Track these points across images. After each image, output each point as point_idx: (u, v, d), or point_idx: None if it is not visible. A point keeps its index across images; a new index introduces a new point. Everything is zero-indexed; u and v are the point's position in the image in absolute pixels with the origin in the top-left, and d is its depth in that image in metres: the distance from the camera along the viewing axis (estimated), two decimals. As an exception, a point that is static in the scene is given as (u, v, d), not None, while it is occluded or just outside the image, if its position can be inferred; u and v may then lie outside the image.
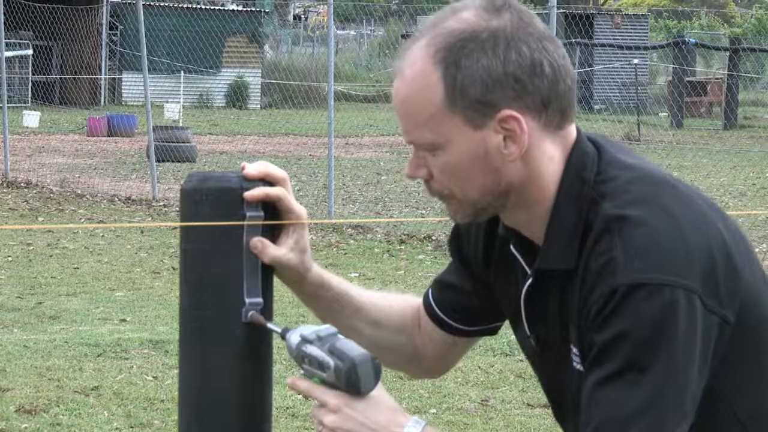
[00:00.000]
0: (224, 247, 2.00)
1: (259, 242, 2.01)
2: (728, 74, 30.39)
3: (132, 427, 6.33)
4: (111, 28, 35.10)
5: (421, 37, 1.97)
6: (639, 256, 1.87)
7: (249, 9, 39.55)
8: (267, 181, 2.04)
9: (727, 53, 32.05)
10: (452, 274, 2.25)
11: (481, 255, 2.17)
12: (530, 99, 1.93)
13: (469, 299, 2.22)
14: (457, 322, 2.24)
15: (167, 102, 29.96)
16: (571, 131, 1.99)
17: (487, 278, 2.18)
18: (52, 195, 15.87)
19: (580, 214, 1.96)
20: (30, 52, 31.99)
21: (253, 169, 2.02)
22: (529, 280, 2.03)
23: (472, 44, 1.92)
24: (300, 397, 6.89)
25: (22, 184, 16.79)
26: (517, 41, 1.92)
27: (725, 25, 49.80)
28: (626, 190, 1.94)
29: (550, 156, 1.97)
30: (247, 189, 2.00)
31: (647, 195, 1.93)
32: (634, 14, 44.31)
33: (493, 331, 2.27)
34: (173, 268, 10.50)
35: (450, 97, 1.93)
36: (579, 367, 1.97)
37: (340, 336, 1.95)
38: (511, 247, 2.07)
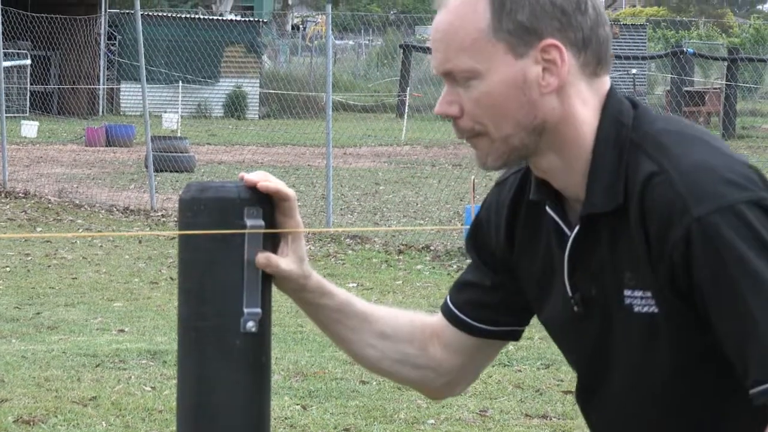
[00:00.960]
0: (223, 257, 2.00)
1: (263, 258, 2.01)
2: (726, 84, 30.43)
3: (130, 437, 6.35)
4: (109, 38, 35.15)
5: None
6: (701, 185, 1.89)
7: (247, 19, 39.58)
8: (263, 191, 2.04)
9: (725, 63, 32.05)
10: (470, 273, 2.23)
11: (503, 238, 2.15)
12: (573, 34, 1.95)
13: (490, 295, 2.19)
14: (479, 321, 2.20)
15: (165, 112, 30.06)
16: (606, 82, 2.00)
17: (511, 263, 2.15)
18: (50, 205, 15.89)
19: (621, 157, 1.96)
20: (28, 62, 31.98)
21: (254, 176, 2.02)
22: (575, 232, 2.01)
23: None
24: (298, 407, 6.89)
25: (20, 194, 16.80)
26: None
27: (723, 35, 49.85)
28: (666, 130, 1.97)
29: (584, 99, 1.98)
30: (246, 199, 2.00)
31: (679, 131, 1.97)
32: (632, 24, 44.40)
33: (515, 335, 2.23)
34: (171, 279, 10.51)
35: (496, 22, 1.95)
36: (647, 309, 1.96)
37: None
38: (547, 208, 2.05)
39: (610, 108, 1.99)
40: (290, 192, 2.04)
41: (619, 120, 1.98)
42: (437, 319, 2.25)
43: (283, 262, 2.05)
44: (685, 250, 1.89)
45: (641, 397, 2.03)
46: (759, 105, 39.00)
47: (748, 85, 33.82)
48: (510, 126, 1.97)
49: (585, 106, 1.98)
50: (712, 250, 1.88)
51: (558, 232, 2.05)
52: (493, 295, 2.19)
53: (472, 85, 1.97)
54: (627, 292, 1.97)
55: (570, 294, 2.04)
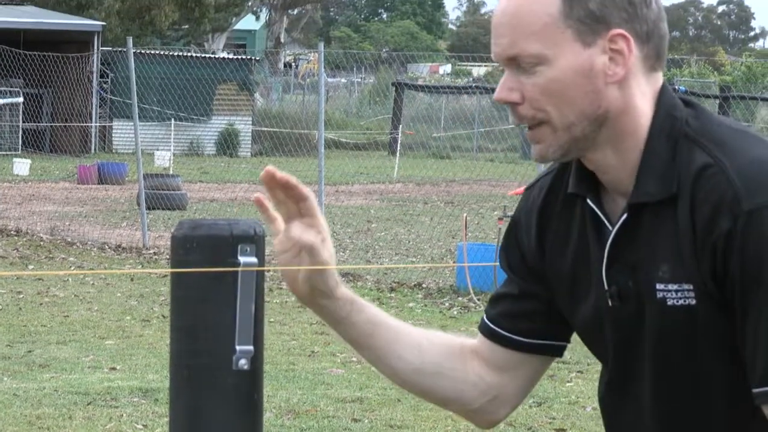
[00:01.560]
0: (215, 295, 2.00)
1: (303, 225, 2.00)
2: None
3: (121, 475, 6.34)
4: (102, 76, 35.19)
5: None
6: (755, 180, 1.90)
7: (239, 57, 39.73)
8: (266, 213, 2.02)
9: (717, 101, 32.29)
10: (504, 286, 2.21)
11: (534, 241, 2.14)
12: (638, 26, 1.97)
13: (522, 304, 2.16)
14: (514, 333, 2.16)
15: (158, 150, 30.01)
16: (659, 78, 2.03)
17: (543, 267, 2.13)
18: (42, 243, 15.88)
19: (674, 149, 1.97)
20: (21, 99, 31.94)
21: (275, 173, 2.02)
22: (620, 222, 2.00)
23: None
24: (290, 445, 6.90)
25: (12, 232, 16.81)
26: None
27: (715, 72, 50.14)
28: (719, 123, 1.98)
29: (643, 91, 1.99)
30: (239, 236, 2.01)
31: (738, 129, 1.98)
32: (623, 62, 44.58)
33: (555, 351, 2.19)
34: (163, 316, 10.50)
35: (567, 9, 1.96)
36: (683, 302, 1.96)
37: None
38: (588, 200, 2.04)
39: (665, 102, 2.00)
40: (308, 191, 2.03)
41: (673, 114, 1.99)
42: (477, 338, 2.22)
43: (326, 251, 2.04)
44: (728, 240, 1.90)
45: (672, 390, 2.02)
46: None
47: (740, 122, 34.01)
48: (574, 114, 1.97)
49: (644, 97, 1.99)
50: (753, 244, 1.89)
51: (597, 225, 2.04)
52: (526, 304, 2.16)
53: (537, 71, 1.97)
54: (660, 286, 1.97)
55: (606, 287, 2.03)
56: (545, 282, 2.14)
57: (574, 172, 2.07)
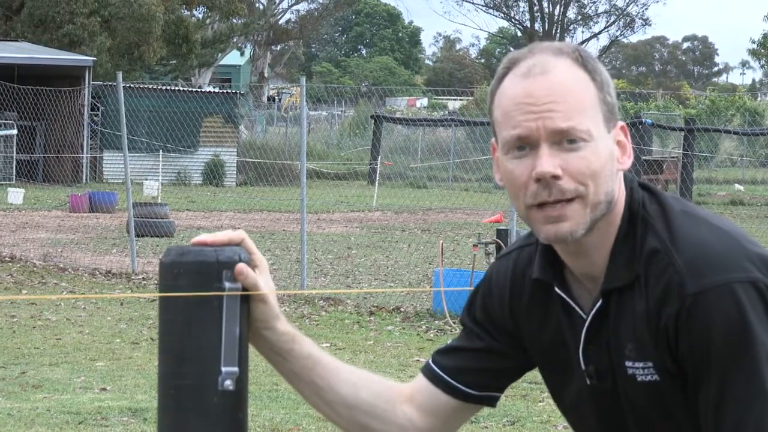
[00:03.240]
0: (202, 318, 2.00)
1: (242, 267, 2.02)
2: (683, 153, 30.48)
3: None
4: (93, 109, 34.86)
5: (537, 53, 2.00)
6: (699, 264, 1.92)
7: (225, 91, 39.49)
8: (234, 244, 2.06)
9: (682, 133, 32.46)
10: (462, 340, 2.20)
11: (507, 311, 2.14)
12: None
13: (481, 360, 2.17)
14: (465, 385, 2.18)
15: (146, 179, 29.84)
16: None
17: (514, 332, 2.15)
18: (35, 269, 15.86)
19: (635, 233, 2.00)
20: (14, 132, 31.65)
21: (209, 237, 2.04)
22: (596, 307, 2.01)
23: (593, 58, 2.03)
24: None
25: (6, 259, 16.72)
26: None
27: (680, 106, 50.27)
28: (670, 206, 2.01)
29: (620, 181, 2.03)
30: (224, 262, 2.02)
31: (687, 211, 2.01)
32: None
33: (493, 401, 2.21)
34: (152, 339, 10.54)
35: (600, 94, 1.99)
36: (650, 378, 1.98)
37: None
38: (557, 289, 2.05)
39: (627, 186, 2.03)
40: (238, 233, 2.05)
41: (634, 198, 2.02)
42: (414, 382, 2.22)
43: (262, 280, 2.05)
44: (677, 321, 1.93)
45: None
46: (714, 173, 39.05)
47: (704, 154, 33.88)
48: (603, 194, 1.97)
49: (622, 187, 2.03)
50: (700, 324, 1.91)
51: (568, 311, 2.05)
52: (484, 361, 2.17)
53: (581, 147, 1.95)
54: (628, 363, 1.99)
55: (583, 367, 2.05)
56: (517, 344, 2.16)
57: (540, 258, 2.08)
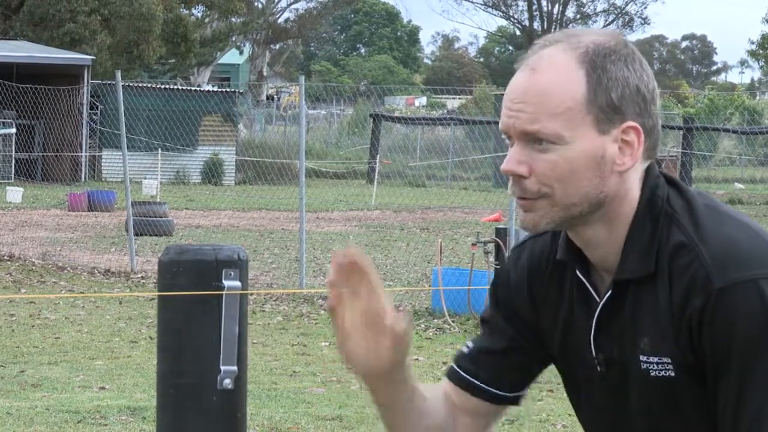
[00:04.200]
0: (201, 317, 2.09)
1: (393, 310, 2.01)
2: (682, 152, 30.62)
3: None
4: (91, 108, 34.95)
5: (554, 44, 2.01)
6: (725, 259, 1.94)
7: (224, 90, 39.67)
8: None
9: (681, 132, 32.54)
10: (486, 341, 2.20)
11: (527, 299, 2.15)
12: (646, 120, 2.01)
13: (509, 359, 2.18)
14: (500, 389, 2.19)
15: (145, 178, 30.03)
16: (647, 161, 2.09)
17: (534, 321, 2.16)
18: (34, 267, 15.85)
19: (655, 228, 2.01)
20: (13, 130, 31.73)
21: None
22: (606, 297, 2.04)
23: (615, 55, 2.00)
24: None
25: (5, 257, 16.70)
26: (646, 65, 2.04)
27: (679, 105, 50.35)
28: (696, 202, 2.02)
29: (635, 177, 2.03)
30: (223, 261, 2.06)
31: (713, 207, 2.02)
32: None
33: (520, 401, 2.23)
34: (150, 338, 10.51)
35: (591, 95, 1.97)
36: (664, 374, 2.00)
37: None
38: (577, 272, 2.08)
39: (650, 183, 2.03)
40: (367, 262, 2.03)
41: (656, 194, 2.02)
42: (448, 386, 2.21)
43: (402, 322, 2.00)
44: (701, 315, 1.94)
45: None
46: (713, 172, 39.00)
47: (702, 153, 33.88)
48: (577, 196, 1.99)
49: (635, 183, 2.02)
50: (723, 319, 1.93)
51: (585, 296, 2.07)
52: (511, 359, 2.17)
53: (551, 149, 1.97)
54: (642, 358, 2.00)
55: (594, 354, 2.06)
56: (537, 334, 2.17)
57: (563, 240, 2.09)
